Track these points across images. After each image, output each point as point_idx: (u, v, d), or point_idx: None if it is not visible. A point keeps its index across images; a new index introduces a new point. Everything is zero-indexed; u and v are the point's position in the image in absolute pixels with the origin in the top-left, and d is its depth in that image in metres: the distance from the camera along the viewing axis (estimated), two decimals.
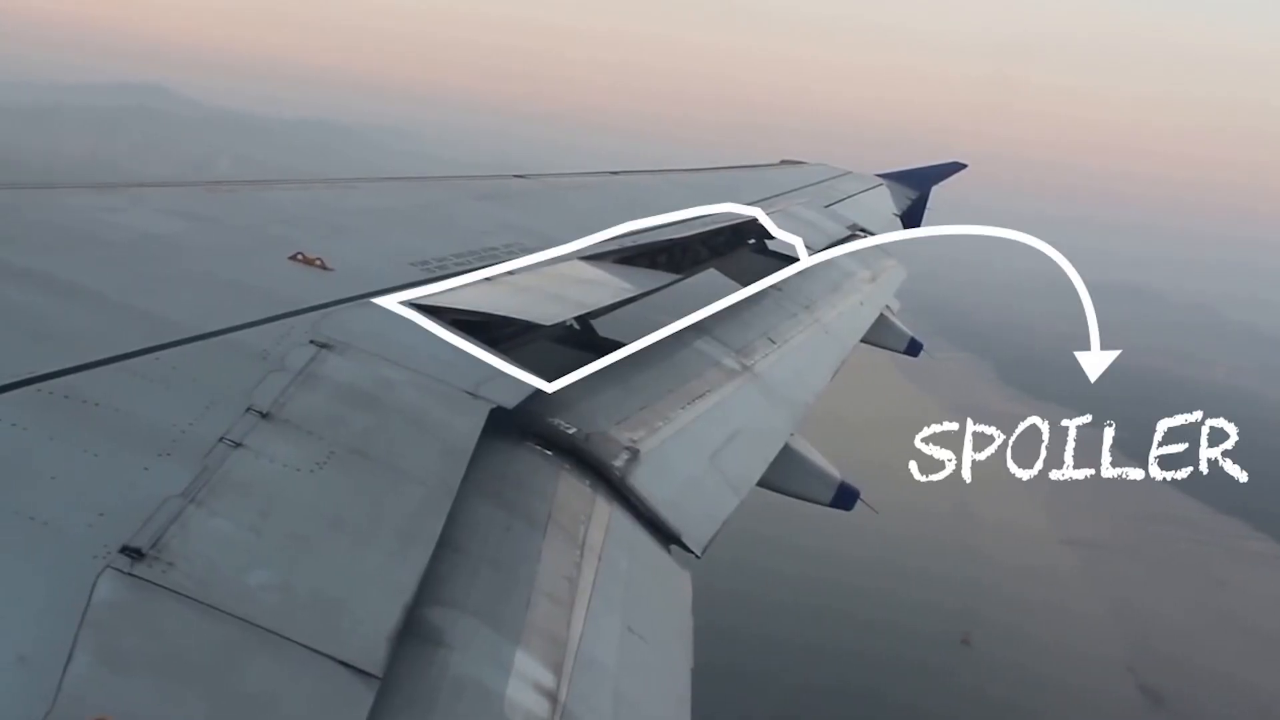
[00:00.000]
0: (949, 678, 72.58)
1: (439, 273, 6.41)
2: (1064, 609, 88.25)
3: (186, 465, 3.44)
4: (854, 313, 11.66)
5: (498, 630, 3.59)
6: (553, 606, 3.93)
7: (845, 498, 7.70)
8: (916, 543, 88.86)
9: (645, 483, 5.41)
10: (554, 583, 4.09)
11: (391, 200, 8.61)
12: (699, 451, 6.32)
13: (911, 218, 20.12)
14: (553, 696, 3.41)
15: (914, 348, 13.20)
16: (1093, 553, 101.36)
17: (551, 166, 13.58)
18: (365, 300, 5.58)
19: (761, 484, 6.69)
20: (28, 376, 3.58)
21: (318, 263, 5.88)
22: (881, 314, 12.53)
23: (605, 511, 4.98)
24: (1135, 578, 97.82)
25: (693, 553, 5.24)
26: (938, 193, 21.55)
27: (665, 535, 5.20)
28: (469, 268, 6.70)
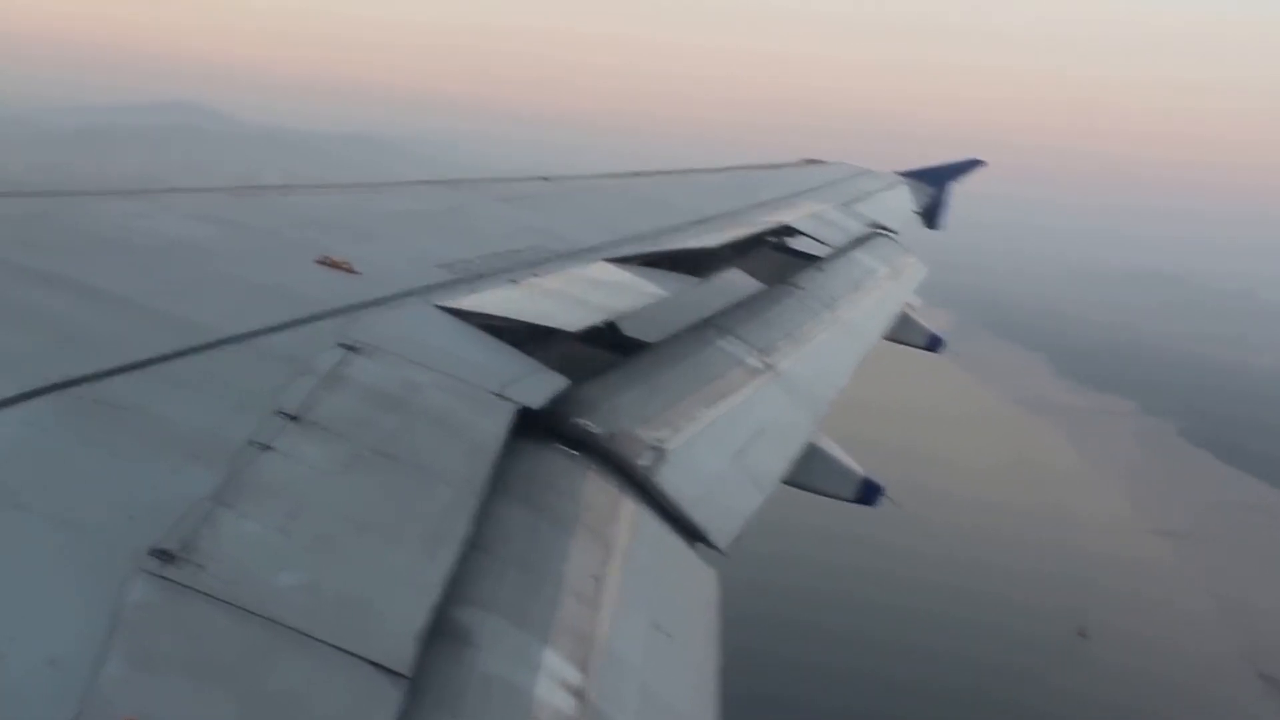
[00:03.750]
0: (1068, 673, 71.19)
1: (464, 275, 6.45)
2: (1167, 602, 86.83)
3: (216, 468, 3.46)
4: (875, 310, 11.66)
5: (525, 629, 3.61)
6: (580, 605, 3.94)
7: (868, 494, 7.72)
8: (997, 539, 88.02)
9: (671, 481, 5.42)
10: (581, 581, 4.10)
11: (416, 204, 8.65)
12: (723, 450, 6.32)
13: (931, 215, 20.10)
14: (580, 694, 3.42)
15: (934, 344, 13.22)
16: (1184, 543, 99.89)
17: (581, 170, 13.64)
18: (392, 303, 5.61)
19: (785, 481, 6.70)
20: (59, 381, 3.62)
21: (345, 266, 5.92)
22: (903, 310, 12.53)
23: (631, 510, 5.00)
24: (1232, 567, 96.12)
25: (719, 550, 5.25)
26: (958, 189, 21.50)
27: (691, 533, 5.21)
28: (494, 270, 6.74)
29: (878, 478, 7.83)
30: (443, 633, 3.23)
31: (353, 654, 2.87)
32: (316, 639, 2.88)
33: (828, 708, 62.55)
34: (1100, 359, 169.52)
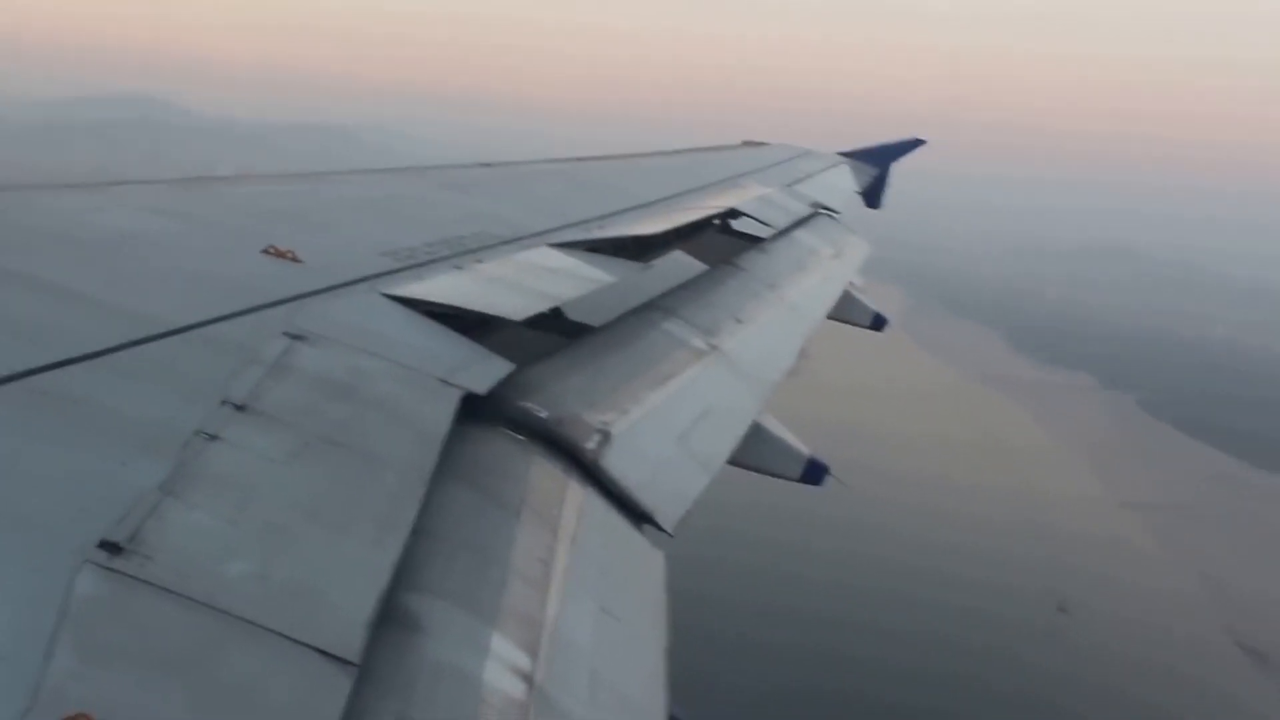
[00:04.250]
0: (1046, 648, 70.72)
1: (409, 262, 6.46)
2: (1142, 574, 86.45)
3: (163, 459, 3.47)
4: (818, 290, 11.75)
5: (473, 614, 3.64)
6: (528, 589, 3.98)
7: (813, 473, 7.78)
8: (965, 516, 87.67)
9: (617, 464, 5.46)
10: (528, 566, 4.14)
11: (360, 192, 8.64)
12: (669, 432, 6.37)
13: (872, 195, 20.27)
14: (528, 678, 3.47)
15: (878, 322, 13.34)
16: (1154, 515, 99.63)
17: (536, 156, 13.66)
18: (337, 291, 5.63)
19: (731, 462, 6.75)
20: (5, 375, 3.62)
21: (289, 255, 5.92)
22: (846, 290, 12.63)
23: (578, 494, 5.04)
24: (1204, 538, 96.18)
25: (665, 531, 5.30)
26: (899, 168, 21.69)
27: (638, 515, 5.26)
28: (439, 256, 6.76)
29: (823, 457, 7.90)
30: (392, 619, 3.26)
31: (302, 643, 2.90)
32: (265, 628, 2.90)
33: (784, 689, 62.59)
34: (1056, 334, 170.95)
